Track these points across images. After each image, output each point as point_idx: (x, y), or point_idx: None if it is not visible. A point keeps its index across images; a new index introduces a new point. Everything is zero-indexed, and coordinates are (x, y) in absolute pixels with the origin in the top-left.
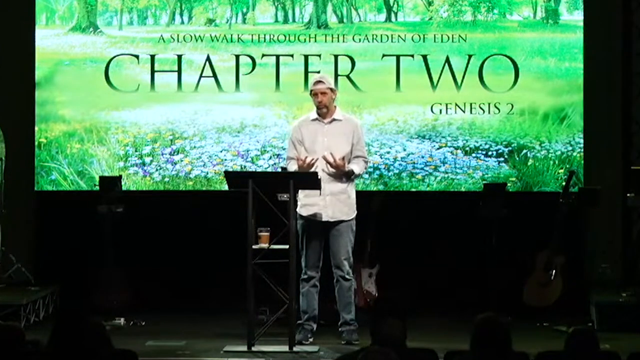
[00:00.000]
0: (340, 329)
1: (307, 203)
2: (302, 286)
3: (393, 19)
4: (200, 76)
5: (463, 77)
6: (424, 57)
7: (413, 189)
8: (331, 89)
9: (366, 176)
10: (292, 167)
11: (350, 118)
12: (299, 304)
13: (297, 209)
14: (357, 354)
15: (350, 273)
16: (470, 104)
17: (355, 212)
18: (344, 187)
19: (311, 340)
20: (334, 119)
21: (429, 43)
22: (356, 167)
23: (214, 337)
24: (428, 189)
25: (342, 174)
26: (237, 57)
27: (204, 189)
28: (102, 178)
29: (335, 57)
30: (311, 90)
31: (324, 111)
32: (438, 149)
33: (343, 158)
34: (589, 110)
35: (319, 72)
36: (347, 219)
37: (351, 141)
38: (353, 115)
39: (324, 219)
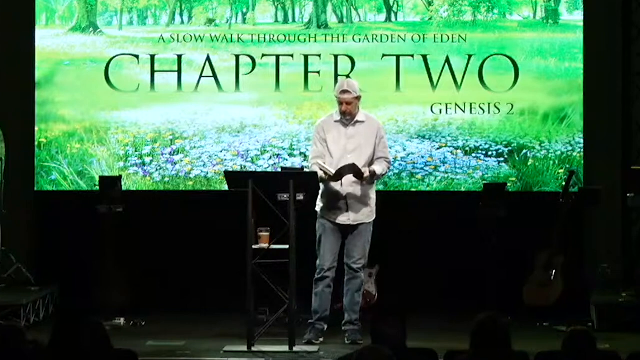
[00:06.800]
0: (343, 328)
1: (328, 207)
2: (316, 286)
3: (393, 19)
4: (200, 76)
5: (463, 77)
6: (424, 57)
7: (413, 189)
8: (357, 97)
9: None
10: (315, 167)
11: (372, 119)
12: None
13: (317, 208)
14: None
15: (362, 273)
16: (470, 104)
17: (375, 214)
18: (365, 190)
19: (321, 340)
20: (357, 121)
21: (429, 43)
22: (378, 167)
23: (214, 337)
24: (428, 189)
25: (369, 179)
26: (237, 57)
27: (204, 189)
28: (102, 178)
29: (335, 57)
30: (337, 96)
31: (347, 118)
32: (438, 149)
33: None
34: (589, 110)
35: (318, 72)
36: (368, 221)
37: (374, 143)
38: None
39: (346, 222)
